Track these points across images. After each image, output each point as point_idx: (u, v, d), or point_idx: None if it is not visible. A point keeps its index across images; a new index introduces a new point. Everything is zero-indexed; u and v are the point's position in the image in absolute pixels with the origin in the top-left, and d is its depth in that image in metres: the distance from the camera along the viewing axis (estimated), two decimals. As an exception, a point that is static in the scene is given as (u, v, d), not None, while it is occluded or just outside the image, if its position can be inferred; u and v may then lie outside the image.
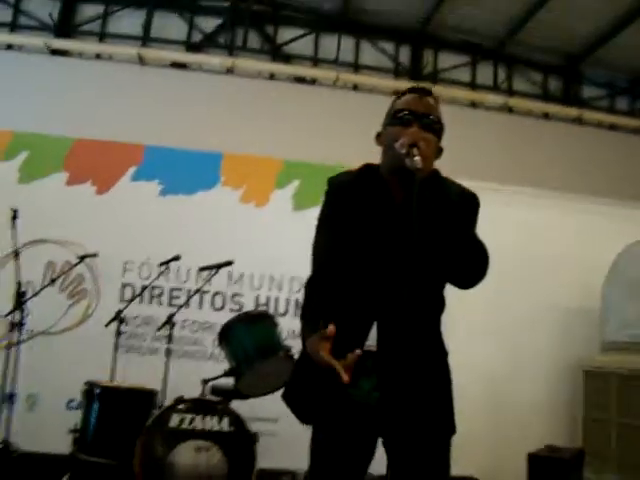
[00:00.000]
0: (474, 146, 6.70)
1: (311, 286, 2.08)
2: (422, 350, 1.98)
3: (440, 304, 2.12)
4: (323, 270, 2.09)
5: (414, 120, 2.00)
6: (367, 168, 2.17)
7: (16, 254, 4.58)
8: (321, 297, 2.03)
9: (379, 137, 2.16)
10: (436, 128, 2.05)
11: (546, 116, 7.91)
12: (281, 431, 5.12)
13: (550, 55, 7.91)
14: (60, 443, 4.40)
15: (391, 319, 1.95)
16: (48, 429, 4.98)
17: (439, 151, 2.10)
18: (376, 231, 2.02)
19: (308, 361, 2.05)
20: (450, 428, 2.04)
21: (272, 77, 7.46)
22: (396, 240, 1.96)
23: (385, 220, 2.03)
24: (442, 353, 2.11)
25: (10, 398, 4.78)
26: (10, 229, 4.55)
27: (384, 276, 1.98)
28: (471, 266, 1.93)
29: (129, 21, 7.40)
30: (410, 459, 1.94)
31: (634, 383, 4.77)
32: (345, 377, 1.72)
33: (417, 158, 1.83)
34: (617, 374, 4.96)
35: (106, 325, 4.75)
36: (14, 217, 4.54)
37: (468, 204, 2.08)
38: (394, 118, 2.07)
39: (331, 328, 1.77)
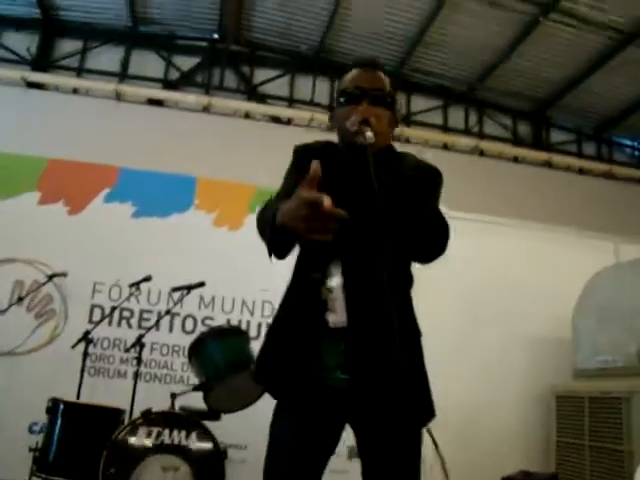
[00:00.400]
0: (446, 183, 6.79)
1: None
2: (394, 326, 1.86)
3: (407, 278, 2.03)
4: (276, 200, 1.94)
5: (362, 96, 1.97)
6: (328, 143, 2.12)
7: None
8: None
9: (331, 119, 2.13)
10: (387, 101, 2.01)
11: (516, 159, 8.11)
12: (250, 458, 5.00)
13: (519, 100, 8.17)
14: (21, 468, 4.20)
15: (359, 289, 1.89)
16: (9, 454, 4.77)
17: (394, 123, 2.07)
18: (337, 195, 1.97)
19: (274, 338, 2.02)
20: (429, 411, 1.94)
21: (248, 116, 7.58)
22: (356, 209, 1.86)
23: (345, 187, 1.94)
24: (416, 333, 2.01)
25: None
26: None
27: (345, 242, 1.90)
28: (428, 239, 1.85)
29: (107, 57, 7.55)
30: (383, 446, 1.87)
31: (606, 406, 4.75)
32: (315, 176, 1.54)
33: (369, 134, 1.80)
34: (589, 398, 4.94)
35: (73, 346, 4.63)
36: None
37: (424, 177, 2.00)
38: (342, 96, 2.03)
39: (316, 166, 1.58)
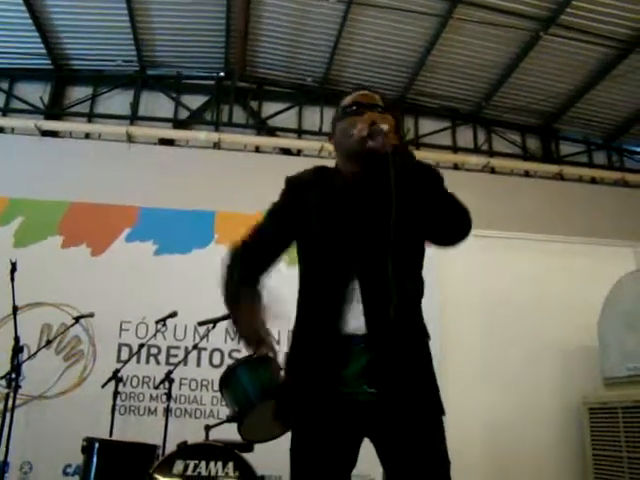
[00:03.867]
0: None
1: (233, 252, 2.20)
2: (410, 332, 1.95)
3: (420, 282, 2.06)
4: (249, 242, 2.17)
5: (365, 110, 2.01)
6: (319, 168, 2.19)
7: (14, 310, 4.52)
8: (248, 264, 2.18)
9: (332, 137, 2.16)
10: (387, 110, 2.06)
11: (527, 174, 8.13)
12: (286, 487, 4.97)
13: (527, 115, 8.22)
14: (58, 511, 4.24)
15: (376, 299, 1.90)
16: (44, 498, 4.80)
17: (399, 132, 2.11)
18: (333, 213, 2.01)
19: (290, 358, 2.07)
20: (440, 410, 1.94)
21: (258, 149, 7.67)
22: (365, 220, 1.96)
23: (341, 201, 2.01)
24: (425, 335, 2.02)
25: (2, 467, 4.61)
26: (9, 284, 4.50)
27: (358, 253, 1.95)
28: (453, 219, 1.91)
29: (117, 101, 7.69)
30: (406, 442, 1.86)
31: (641, 415, 4.70)
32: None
33: (384, 126, 1.84)
34: (622, 408, 4.88)
35: (103, 386, 4.66)
36: (13, 270, 4.51)
37: (430, 170, 2.02)
38: (345, 112, 2.08)
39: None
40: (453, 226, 1.93)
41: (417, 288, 2.04)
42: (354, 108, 2.05)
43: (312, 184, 2.12)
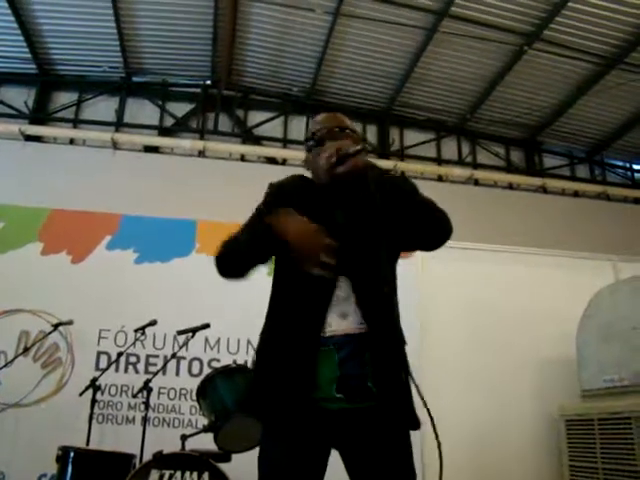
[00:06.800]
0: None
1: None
2: (392, 336, 1.96)
3: (395, 286, 2.08)
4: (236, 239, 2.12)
5: (327, 135, 2.07)
6: (302, 177, 2.20)
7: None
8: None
9: (306, 163, 2.20)
10: (352, 136, 2.09)
11: (510, 186, 8.19)
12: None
13: (511, 128, 8.30)
14: (32, 521, 4.19)
15: (370, 298, 1.93)
16: (17, 509, 4.74)
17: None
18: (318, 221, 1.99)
19: (265, 366, 2.00)
20: (414, 423, 1.99)
21: (243, 158, 7.68)
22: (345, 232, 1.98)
23: (324, 213, 2.02)
24: (402, 341, 2.03)
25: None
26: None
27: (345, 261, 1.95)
28: (432, 223, 1.96)
29: (103, 108, 7.68)
30: (374, 454, 1.88)
31: (616, 427, 4.70)
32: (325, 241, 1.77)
33: (352, 148, 1.91)
34: (598, 420, 4.90)
35: (80, 394, 4.60)
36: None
37: (400, 182, 2.09)
38: (311, 141, 2.13)
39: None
40: (433, 230, 1.99)
41: (394, 294, 2.06)
42: (319, 134, 2.09)
43: (295, 191, 2.12)
